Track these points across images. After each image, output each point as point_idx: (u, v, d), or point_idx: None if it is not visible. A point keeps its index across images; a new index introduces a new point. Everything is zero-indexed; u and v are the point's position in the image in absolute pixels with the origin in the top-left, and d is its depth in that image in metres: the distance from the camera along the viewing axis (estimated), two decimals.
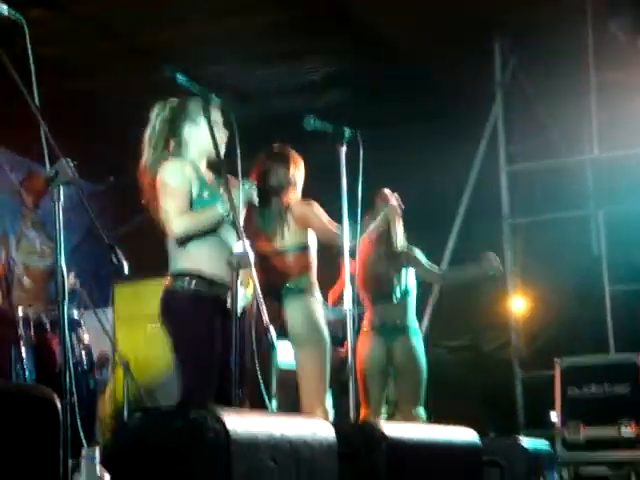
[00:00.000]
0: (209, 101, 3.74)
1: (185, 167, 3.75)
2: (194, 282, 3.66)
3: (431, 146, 7.39)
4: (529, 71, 6.90)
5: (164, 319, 3.73)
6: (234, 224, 3.66)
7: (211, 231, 3.69)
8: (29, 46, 2.80)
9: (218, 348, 3.63)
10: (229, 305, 3.62)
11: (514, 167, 7.16)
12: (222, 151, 3.79)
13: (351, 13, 6.22)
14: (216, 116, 3.83)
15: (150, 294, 6.18)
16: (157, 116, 3.85)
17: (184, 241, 3.68)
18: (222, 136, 3.81)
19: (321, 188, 4.80)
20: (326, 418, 4.13)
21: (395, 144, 7.32)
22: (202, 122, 3.80)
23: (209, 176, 3.86)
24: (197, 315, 3.65)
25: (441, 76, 6.91)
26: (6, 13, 2.85)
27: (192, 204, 3.72)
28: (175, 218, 3.63)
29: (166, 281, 3.71)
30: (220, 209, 3.67)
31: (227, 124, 3.81)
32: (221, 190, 3.77)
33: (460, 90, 6.97)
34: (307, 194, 4.65)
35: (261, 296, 3.77)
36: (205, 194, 3.74)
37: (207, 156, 3.84)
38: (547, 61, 6.66)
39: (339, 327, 4.72)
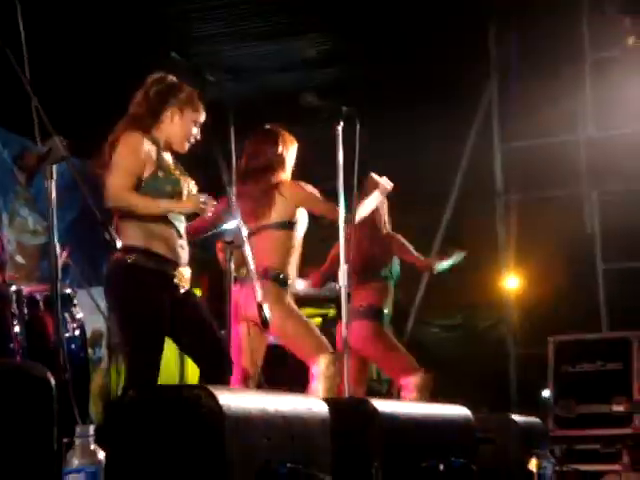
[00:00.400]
0: (204, 80, 3.73)
1: (144, 142, 3.73)
2: (142, 258, 3.65)
3: (426, 124, 7.37)
4: (524, 50, 6.88)
5: (109, 292, 3.73)
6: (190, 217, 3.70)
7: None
8: (20, 21, 2.78)
9: (161, 324, 3.64)
10: (176, 281, 3.66)
11: (508, 145, 7.16)
12: (183, 149, 3.81)
13: None
14: (201, 118, 3.82)
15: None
16: (152, 85, 3.84)
17: (123, 217, 3.68)
18: (195, 136, 3.83)
19: (316, 165, 4.80)
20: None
21: (390, 122, 7.30)
22: (187, 116, 3.80)
23: (169, 156, 3.85)
24: (141, 292, 3.64)
25: (437, 55, 6.88)
26: None
27: (145, 181, 3.70)
28: (112, 189, 3.59)
29: (116, 254, 3.68)
30: (163, 210, 3.66)
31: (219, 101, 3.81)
32: (178, 173, 3.78)
33: (455, 69, 6.95)
34: (303, 171, 4.64)
35: (254, 273, 3.79)
36: (160, 174, 3.72)
37: (171, 147, 3.84)
38: (542, 40, 6.64)
39: None
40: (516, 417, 3.99)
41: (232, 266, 3.54)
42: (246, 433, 2.26)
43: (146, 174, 3.69)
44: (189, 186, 3.79)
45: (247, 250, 3.67)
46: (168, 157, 3.84)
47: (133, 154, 3.67)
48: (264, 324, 3.75)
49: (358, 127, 3.95)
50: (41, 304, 4.61)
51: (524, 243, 7.33)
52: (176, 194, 3.72)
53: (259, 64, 7.17)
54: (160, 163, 3.73)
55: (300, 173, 4.66)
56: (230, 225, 3.77)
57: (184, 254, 3.75)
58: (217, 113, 3.86)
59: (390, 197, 4.80)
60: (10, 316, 4.24)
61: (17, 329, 4.25)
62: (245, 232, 3.58)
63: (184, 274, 3.75)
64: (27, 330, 4.33)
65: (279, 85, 7.34)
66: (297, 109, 4.20)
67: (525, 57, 6.93)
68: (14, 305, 4.33)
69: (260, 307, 3.67)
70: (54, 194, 2.76)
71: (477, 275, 7.48)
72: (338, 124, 3.98)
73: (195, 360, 3.79)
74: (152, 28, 6.32)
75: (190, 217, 3.87)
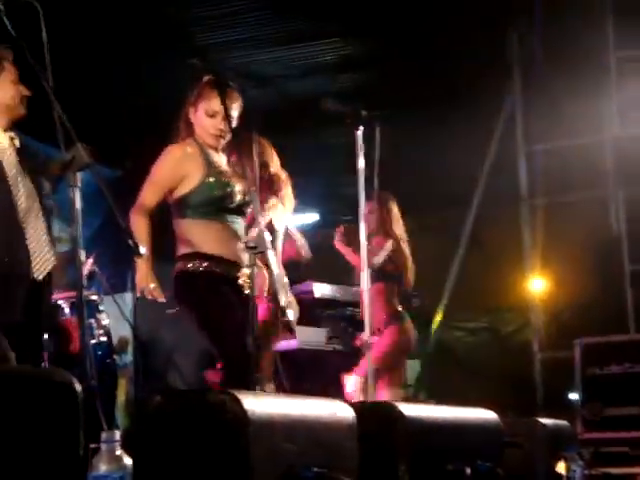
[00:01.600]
0: (225, 85, 3.74)
1: (185, 152, 3.75)
2: (205, 262, 3.67)
3: (448, 128, 7.35)
4: (547, 49, 6.83)
5: (180, 301, 3.75)
6: (240, 210, 3.71)
7: (219, 211, 3.72)
8: (44, 30, 2.80)
9: (239, 318, 3.64)
10: (241, 282, 3.67)
11: (532, 147, 7.11)
12: (221, 141, 3.81)
13: None
14: (214, 105, 3.81)
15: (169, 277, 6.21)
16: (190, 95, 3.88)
17: (179, 226, 3.71)
18: (222, 127, 3.81)
19: (337, 170, 4.80)
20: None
21: (412, 126, 7.28)
22: (200, 109, 3.81)
23: (221, 159, 3.86)
24: (211, 291, 3.66)
25: (458, 56, 6.86)
26: None
27: (197, 188, 3.73)
28: (147, 192, 3.67)
29: (177, 264, 3.72)
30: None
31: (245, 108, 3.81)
32: (232, 176, 3.79)
33: (477, 71, 6.92)
34: (324, 175, 4.65)
35: (278, 281, 3.79)
36: (210, 179, 3.74)
37: (208, 145, 3.84)
38: (565, 39, 6.58)
39: None
40: (543, 420, 3.96)
41: (255, 272, 3.53)
42: (271, 438, 2.25)
43: (194, 183, 3.72)
44: (244, 187, 3.80)
45: (270, 256, 3.67)
46: (219, 159, 3.85)
47: (170, 164, 3.72)
48: (289, 329, 3.75)
49: (378, 132, 3.95)
50: (67, 311, 4.64)
51: (550, 246, 7.28)
52: (227, 197, 3.73)
53: (279, 70, 7.18)
54: (207, 167, 3.75)
55: (321, 178, 4.67)
56: (253, 232, 3.79)
57: (244, 256, 3.74)
58: (240, 119, 3.87)
59: (413, 203, 4.79)
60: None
61: (44, 336, 4.28)
62: (269, 237, 3.59)
63: (247, 275, 3.73)
64: (53, 337, 4.37)
65: (300, 91, 7.35)
66: (318, 114, 4.20)
67: (548, 58, 6.88)
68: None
69: (283, 312, 3.67)
70: (79, 201, 2.78)
71: (502, 278, 7.45)
72: (358, 129, 3.97)
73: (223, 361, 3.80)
74: (173, 36, 6.36)
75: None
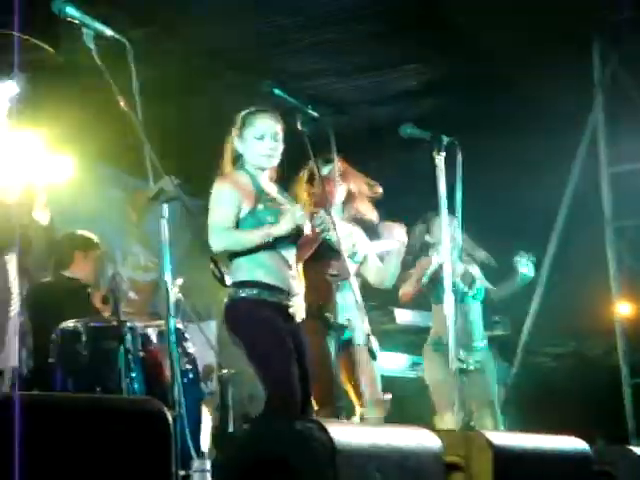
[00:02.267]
0: (306, 114, 3.78)
1: (237, 182, 3.80)
2: (255, 290, 3.71)
3: (530, 150, 7.28)
4: (630, 69, 6.72)
5: (229, 328, 3.79)
6: (292, 238, 3.74)
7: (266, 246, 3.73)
8: (132, 67, 2.88)
9: (289, 347, 3.67)
10: (291, 310, 3.70)
11: (616, 169, 6.99)
12: (273, 161, 3.85)
13: (446, 20, 6.19)
14: (262, 127, 3.86)
15: None
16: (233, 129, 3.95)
17: (231, 255, 3.75)
18: (272, 147, 3.85)
19: (421, 194, 4.79)
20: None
21: (493, 149, 7.23)
22: (247, 136, 3.86)
23: (271, 189, 3.91)
24: (260, 319, 3.69)
25: (539, 78, 6.80)
26: (110, 34, 2.95)
27: (245, 217, 3.77)
28: (213, 233, 3.66)
29: (229, 291, 3.76)
30: (260, 237, 3.71)
31: (324, 136, 3.84)
32: (282, 203, 3.83)
33: (558, 92, 6.85)
34: (405, 202, 4.65)
35: (362, 306, 3.79)
36: (260, 207, 3.77)
37: (264, 168, 3.89)
38: None
39: None
40: (636, 448, 3.86)
41: (337, 298, 3.55)
42: (358, 466, 2.25)
43: (245, 212, 3.77)
44: (296, 212, 3.82)
45: (354, 282, 3.68)
46: (271, 187, 3.90)
47: (226, 194, 3.77)
48: (372, 356, 3.75)
49: (460, 157, 3.92)
50: (154, 339, 4.72)
51: (637, 270, 7.13)
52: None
53: (359, 97, 7.23)
54: (258, 196, 3.80)
55: (401, 204, 4.67)
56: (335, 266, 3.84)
57: (295, 284, 3.79)
58: (320, 146, 3.90)
59: (494, 225, 4.75)
60: (125, 353, 4.35)
61: (132, 365, 4.36)
62: (352, 265, 3.60)
63: (298, 304, 3.78)
64: (141, 365, 4.44)
65: (379, 117, 7.38)
66: (398, 140, 4.21)
67: (632, 76, 6.77)
68: (129, 341, 4.45)
69: (368, 339, 3.67)
70: (166, 232, 2.84)
71: (588, 302, 7.31)
72: (439, 154, 3.95)
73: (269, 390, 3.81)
74: (254, 65, 6.47)
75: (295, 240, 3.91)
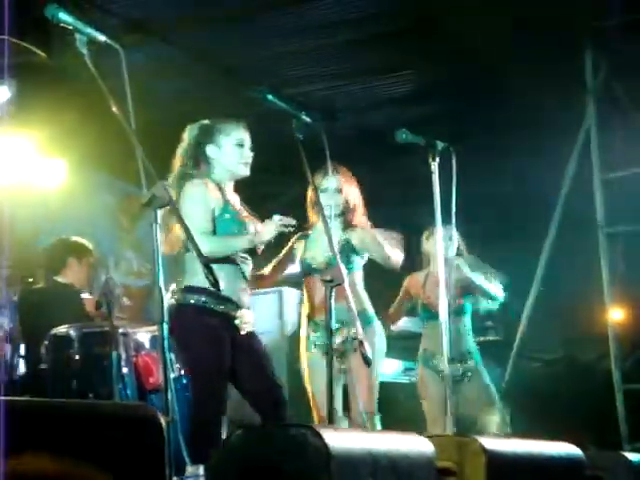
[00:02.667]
0: (299, 119, 3.78)
1: (206, 187, 3.81)
2: (203, 297, 3.70)
3: (523, 157, 7.30)
4: (622, 75, 6.74)
5: (171, 331, 3.79)
6: (250, 250, 3.76)
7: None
8: (125, 72, 2.88)
9: (225, 363, 3.67)
10: (236, 322, 3.71)
11: (609, 175, 7.01)
12: (248, 169, 3.88)
13: (440, 27, 6.20)
14: (240, 136, 3.90)
15: None
16: (188, 136, 3.96)
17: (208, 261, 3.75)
18: (249, 155, 3.89)
19: (413, 201, 4.80)
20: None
21: (485, 156, 7.25)
22: (225, 144, 3.88)
23: (235, 199, 3.93)
24: (202, 330, 3.69)
25: (531, 85, 6.81)
26: (102, 40, 2.95)
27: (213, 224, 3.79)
28: (198, 238, 3.68)
29: (176, 294, 3.76)
30: (247, 241, 3.72)
31: (317, 141, 3.84)
32: (246, 215, 3.85)
33: (551, 99, 6.86)
34: (399, 207, 4.66)
35: (355, 312, 3.79)
36: (227, 216, 3.79)
37: (232, 177, 3.91)
38: None
39: None
40: (628, 455, 3.87)
41: (332, 304, 3.54)
42: (352, 472, 2.25)
43: (214, 216, 3.79)
44: (256, 228, 3.85)
45: (347, 288, 3.68)
46: (234, 199, 3.92)
47: (198, 199, 3.77)
48: (366, 361, 3.74)
49: (454, 162, 3.93)
50: (147, 345, 4.71)
51: (630, 275, 7.14)
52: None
53: (352, 102, 7.23)
54: (225, 205, 3.82)
55: (396, 210, 4.68)
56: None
57: (246, 297, 3.82)
58: (313, 152, 3.90)
59: (488, 234, 4.76)
60: (118, 359, 4.35)
61: (125, 370, 4.35)
62: (345, 270, 3.60)
63: (246, 316, 3.80)
64: (134, 371, 4.43)
65: (372, 123, 7.38)
66: (391, 146, 4.22)
67: (623, 82, 6.79)
68: (121, 347, 4.44)
69: (361, 344, 3.67)
70: (159, 237, 2.83)
71: (580, 308, 7.33)
72: (434, 160, 3.97)
73: (252, 405, 3.83)
74: (249, 72, 6.47)
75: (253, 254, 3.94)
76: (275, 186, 7.90)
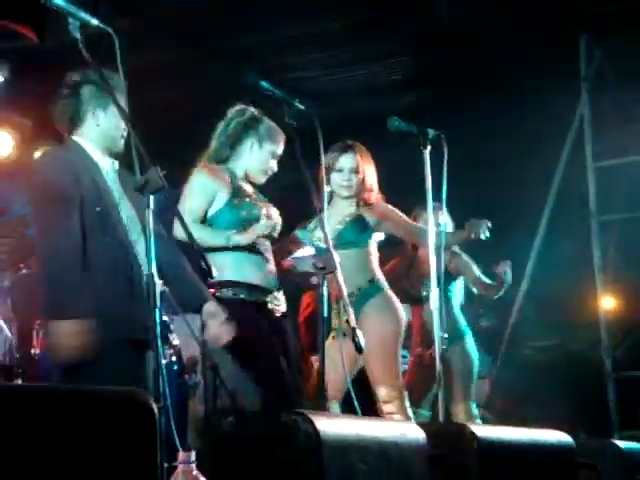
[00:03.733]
0: (292, 106, 3.77)
1: (216, 173, 3.81)
2: (237, 290, 3.70)
3: (515, 145, 7.29)
4: (616, 64, 6.74)
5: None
6: (270, 237, 3.76)
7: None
8: (118, 56, 2.87)
9: (268, 349, 3.67)
10: (270, 306, 3.71)
11: (602, 163, 7.01)
12: (260, 181, 3.86)
13: (430, 13, 6.19)
14: (279, 149, 3.90)
15: None
16: (233, 118, 3.94)
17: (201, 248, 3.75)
18: (272, 168, 3.88)
19: (402, 188, 4.80)
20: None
21: (478, 144, 7.25)
22: (265, 147, 3.88)
23: (249, 189, 3.92)
24: (243, 321, 3.68)
25: (524, 73, 6.81)
26: (95, 24, 2.93)
27: (220, 210, 3.77)
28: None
29: (212, 289, 3.78)
30: (223, 240, 3.70)
31: (311, 128, 3.84)
32: (260, 204, 3.85)
33: (544, 87, 6.86)
34: (391, 195, 4.66)
35: (347, 298, 3.79)
36: (236, 201, 3.78)
37: (247, 178, 3.92)
38: (635, 54, 6.49)
39: None
40: (618, 442, 3.89)
41: (325, 292, 3.54)
42: (343, 458, 2.26)
43: (220, 204, 3.77)
44: (269, 212, 3.84)
45: (339, 276, 3.68)
46: (247, 187, 3.92)
47: (204, 185, 3.77)
48: (358, 349, 3.75)
49: (446, 150, 3.93)
50: None
51: (622, 263, 7.16)
52: (252, 219, 3.78)
53: (344, 89, 7.22)
54: (235, 191, 3.81)
55: (387, 198, 4.67)
56: (300, 252, 3.87)
57: (273, 279, 3.81)
58: (305, 139, 3.90)
59: (482, 219, 4.76)
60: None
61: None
62: (337, 258, 3.60)
63: (278, 298, 3.80)
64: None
65: (364, 110, 7.37)
66: (383, 133, 4.21)
67: (618, 71, 6.79)
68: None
69: (354, 332, 3.67)
70: (152, 223, 2.82)
71: (572, 296, 7.34)
72: (426, 148, 3.96)
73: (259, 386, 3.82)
74: (241, 58, 6.44)
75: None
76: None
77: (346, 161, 4.46)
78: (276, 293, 3.82)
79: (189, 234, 2.97)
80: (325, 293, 3.52)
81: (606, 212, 7.04)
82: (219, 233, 3.77)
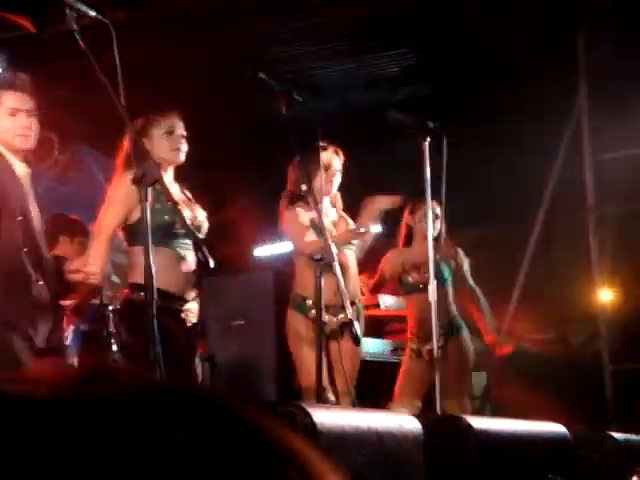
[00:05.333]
0: (291, 99, 3.77)
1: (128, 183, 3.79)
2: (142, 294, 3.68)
3: (513, 137, 7.29)
4: (615, 55, 6.73)
5: (120, 328, 3.83)
6: (188, 235, 3.71)
7: (167, 237, 3.69)
8: (115, 48, 2.86)
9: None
10: (183, 316, 3.69)
11: (600, 156, 7.01)
12: (178, 159, 3.82)
13: (429, 5, 6.17)
14: (165, 126, 3.86)
15: (232, 289, 6.28)
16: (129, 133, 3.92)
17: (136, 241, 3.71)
18: (180, 142, 3.84)
19: (400, 181, 4.80)
20: None
21: (476, 136, 7.24)
22: (155, 135, 3.84)
23: (173, 188, 3.85)
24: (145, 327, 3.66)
25: (523, 64, 6.80)
26: (93, 15, 2.93)
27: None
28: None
29: (124, 291, 3.78)
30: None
31: (308, 120, 3.83)
32: (181, 203, 3.81)
33: (542, 79, 6.85)
34: (389, 188, 4.66)
35: (345, 293, 3.79)
36: (157, 206, 3.72)
37: (167, 164, 3.87)
38: (634, 46, 6.48)
39: None
40: (615, 434, 3.90)
41: (322, 283, 3.55)
42: (340, 450, 2.26)
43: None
44: (194, 214, 3.80)
45: (337, 268, 3.68)
46: (173, 188, 3.85)
47: (118, 199, 3.74)
48: (355, 341, 3.75)
49: (445, 143, 3.93)
50: None
51: (619, 257, 7.16)
52: (173, 223, 3.71)
53: (342, 82, 7.21)
54: (157, 196, 3.76)
55: (382, 190, 4.68)
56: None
57: (190, 288, 3.78)
58: (304, 131, 3.90)
59: (477, 215, 4.77)
60: (107, 335, 4.35)
61: (114, 348, 4.36)
62: (335, 250, 3.60)
63: (191, 309, 3.77)
64: (124, 348, 4.43)
65: (363, 102, 7.36)
66: (381, 126, 4.21)
67: (617, 63, 6.78)
68: (111, 325, 4.44)
69: (351, 324, 3.67)
70: (149, 215, 2.83)
71: (570, 289, 7.35)
72: (425, 140, 3.96)
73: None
74: (239, 51, 6.44)
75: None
76: (267, 167, 7.88)
77: (334, 162, 4.44)
78: (189, 305, 3.78)
79: (187, 227, 2.96)
80: (323, 285, 3.53)
81: (604, 205, 7.04)
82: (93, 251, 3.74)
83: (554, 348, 7.96)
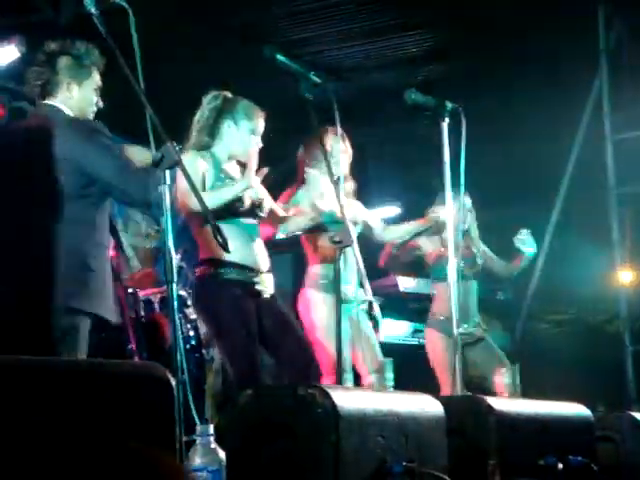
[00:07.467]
0: (309, 80, 3.74)
1: (200, 159, 3.78)
2: (223, 270, 3.69)
3: (533, 117, 7.24)
4: (636, 35, 6.66)
5: (197, 307, 3.82)
6: (255, 214, 3.72)
7: (232, 215, 3.71)
8: (134, 32, 2.86)
9: (252, 330, 3.67)
10: (259, 287, 3.70)
11: (620, 135, 6.95)
12: (253, 162, 3.82)
13: None
14: (259, 126, 3.87)
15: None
16: (209, 103, 3.91)
17: (196, 232, 3.73)
18: (256, 147, 3.84)
19: (418, 162, 4.79)
20: None
21: (496, 116, 7.20)
22: (242, 126, 3.84)
23: (235, 170, 3.88)
24: (226, 302, 3.68)
25: (542, 45, 6.74)
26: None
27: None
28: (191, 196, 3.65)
29: (196, 269, 3.77)
30: (239, 188, 3.67)
31: (326, 102, 3.81)
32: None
33: (562, 58, 6.79)
34: (409, 168, 4.64)
35: (364, 272, 3.79)
36: (218, 184, 3.75)
37: (236, 158, 3.88)
38: None
39: None
40: (636, 414, 3.88)
41: (341, 266, 3.54)
42: (361, 432, 2.26)
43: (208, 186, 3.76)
44: (258, 194, 3.82)
45: (356, 250, 3.67)
46: (233, 169, 3.88)
47: (192, 169, 3.74)
48: (374, 322, 3.76)
49: (464, 123, 3.90)
50: (156, 306, 4.72)
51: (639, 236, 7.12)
52: (237, 201, 3.74)
53: (361, 63, 7.18)
54: (218, 175, 3.78)
55: (404, 171, 4.66)
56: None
57: (263, 259, 3.80)
58: (322, 113, 3.87)
59: (497, 195, 4.74)
60: (128, 319, 4.36)
61: (135, 331, 4.37)
62: (354, 231, 3.59)
63: (266, 280, 3.79)
64: (144, 332, 4.45)
65: (382, 83, 7.33)
66: (400, 107, 4.18)
67: (637, 42, 6.71)
68: (131, 308, 4.46)
69: (371, 306, 3.67)
70: (168, 198, 2.83)
71: (590, 269, 7.31)
72: (443, 121, 3.93)
73: (280, 364, 3.82)
74: (257, 33, 6.42)
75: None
76: (284, 148, 7.86)
77: (340, 146, 4.43)
78: (264, 275, 3.80)
79: (203, 206, 2.96)
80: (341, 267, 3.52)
81: (624, 184, 6.99)
82: (220, 189, 3.73)
83: (574, 328, 7.94)
